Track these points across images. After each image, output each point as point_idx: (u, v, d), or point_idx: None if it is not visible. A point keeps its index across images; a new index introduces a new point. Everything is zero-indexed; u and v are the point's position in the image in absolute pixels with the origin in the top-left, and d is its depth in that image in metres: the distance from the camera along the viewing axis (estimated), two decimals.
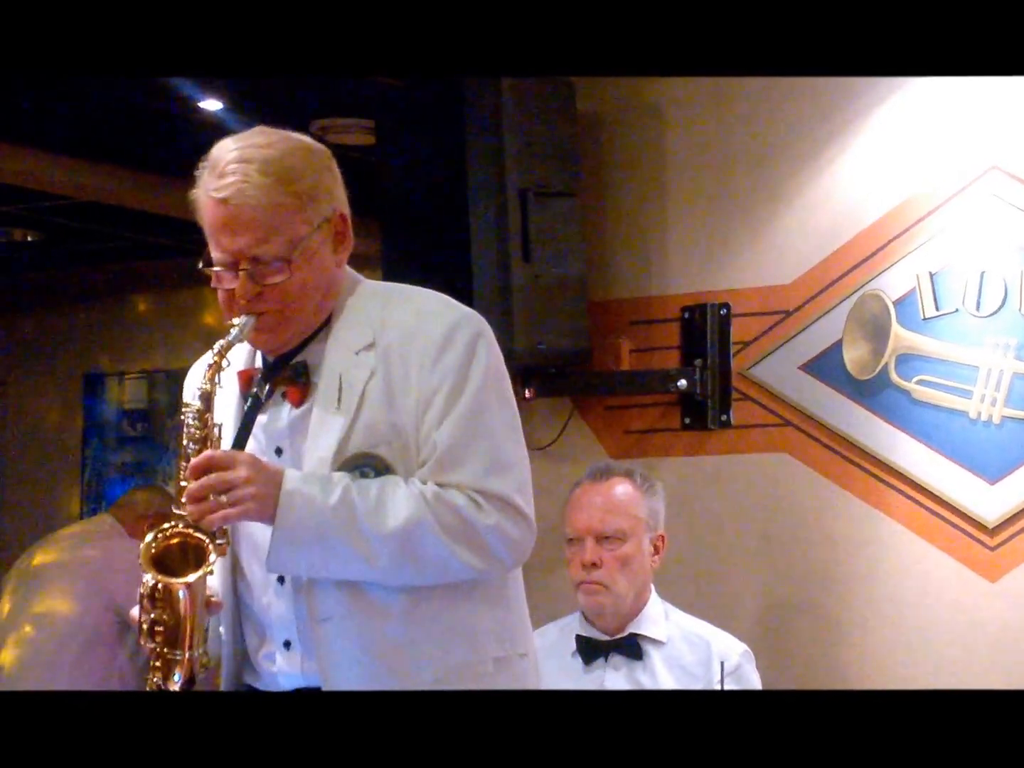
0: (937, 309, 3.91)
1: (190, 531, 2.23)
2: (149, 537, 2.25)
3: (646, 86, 4.28)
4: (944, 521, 3.88)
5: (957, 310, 3.88)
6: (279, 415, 2.35)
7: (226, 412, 2.36)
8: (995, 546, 3.82)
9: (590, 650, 3.40)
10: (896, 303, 3.94)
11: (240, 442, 2.31)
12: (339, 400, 2.29)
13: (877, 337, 3.95)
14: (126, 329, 7.17)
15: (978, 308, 3.86)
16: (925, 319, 3.91)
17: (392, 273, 4.27)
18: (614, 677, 3.36)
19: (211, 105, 4.62)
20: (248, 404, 2.35)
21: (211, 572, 2.23)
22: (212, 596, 2.30)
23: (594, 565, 3.35)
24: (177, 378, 7.07)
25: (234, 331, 2.29)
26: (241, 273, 2.28)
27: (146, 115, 4.70)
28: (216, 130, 4.76)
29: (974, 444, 3.84)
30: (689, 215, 4.24)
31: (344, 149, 4.78)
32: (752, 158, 4.16)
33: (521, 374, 4.21)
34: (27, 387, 7.38)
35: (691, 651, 3.37)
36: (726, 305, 4.16)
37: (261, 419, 2.35)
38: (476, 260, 4.00)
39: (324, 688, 2.28)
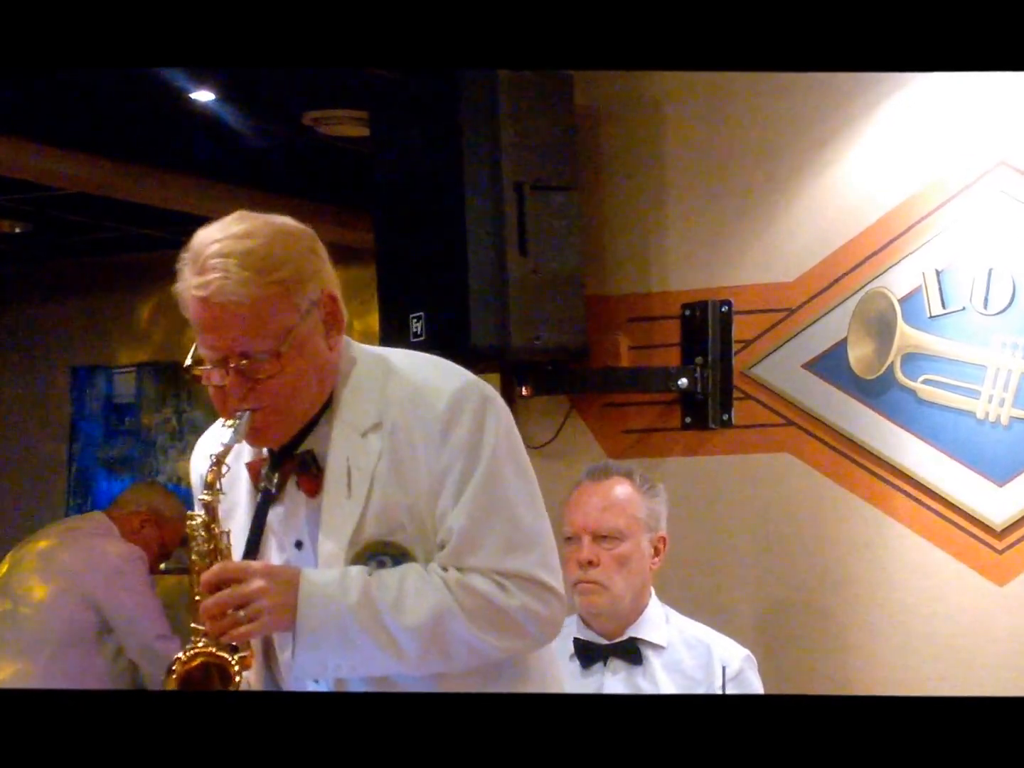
0: (944, 307, 3.89)
1: (211, 650, 2.21)
2: (171, 665, 2.22)
3: (645, 79, 4.26)
4: (951, 524, 3.86)
5: (964, 308, 3.87)
6: (297, 508, 2.32)
7: (239, 508, 2.33)
8: (1003, 549, 3.81)
9: (588, 654, 3.39)
10: (902, 301, 3.93)
11: (254, 541, 2.29)
12: (349, 487, 2.26)
13: (882, 336, 3.93)
14: (114, 322, 7.14)
15: (986, 306, 3.84)
16: (931, 317, 3.90)
17: (385, 267, 4.25)
18: (613, 682, 3.35)
19: (203, 96, 4.59)
20: (260, 499, 2.31)
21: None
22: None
23: (591, 564, 3.33)
24: (166, 372, 7.20)
25: (231, 433, 2.24)
26: (231, 370, 2.24)
27: (136, 106, 4.68)
28: (208, 121, 4.75)
29: (981, 445, 3.83)
30: (690, 210, 4.22)
31: (337, 141, 4.76)
32: (755, 152, 4.14)
33: (517, 371, 4.21)
34: (13, 380, 7.35)
35: (692, 656, 3.36)
36: (728, 302, 4.14)
37: (278, 512, 2.32)
38: (471, 254, 3.97)
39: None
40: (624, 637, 3.36)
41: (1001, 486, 3.81)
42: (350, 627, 2.19)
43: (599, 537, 3.34)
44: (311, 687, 2.31)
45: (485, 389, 2.30)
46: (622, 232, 4.30)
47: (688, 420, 4.17)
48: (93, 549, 4.66)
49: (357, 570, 2.22)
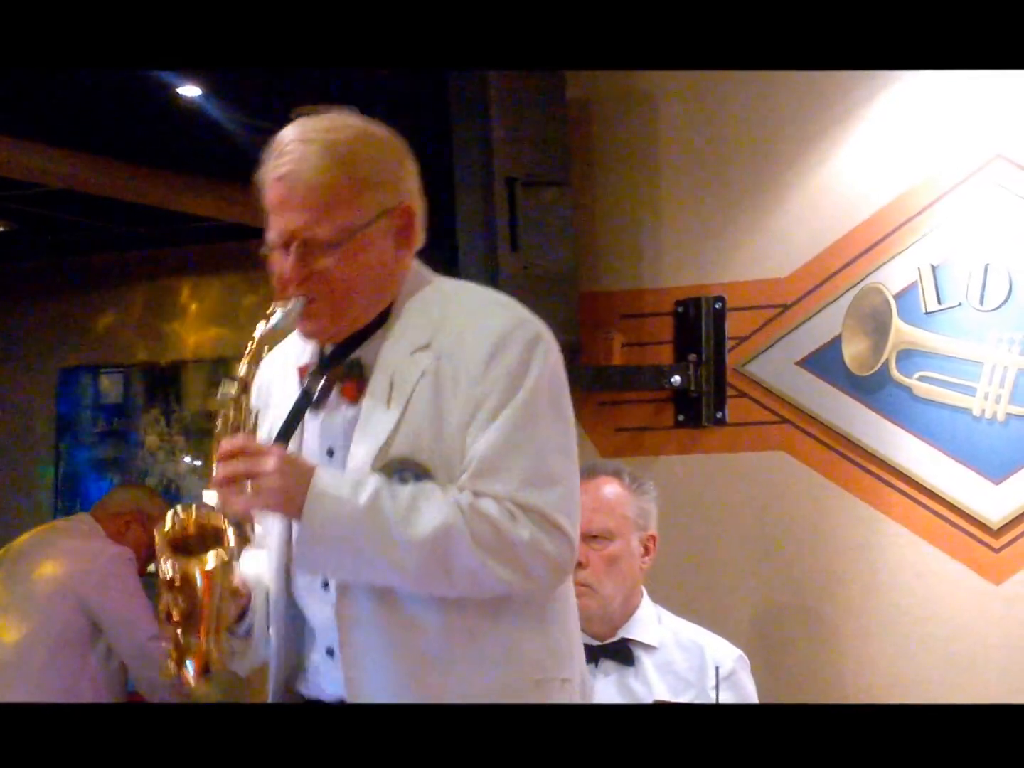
0: (939, 303, 3.88)
1: (209, 516, 2.21)
2: (166, 521, 2.22)
3: (638, 74, 4.26)
4: (946, 522, 3.86)
5: (960, 304, 3.86)
6: (335, 415, 2.30)
7: (281, 407, 2.33)
8: (999, 548, 3.80)
9: None
10: (897, 297, 3.91)
11: (284, 436, 2.28)
12: (388, 400, 2.24)
13: (877, 332, 3.92)
14: (101, 322, 7.11)
15: (982, 302, 3.84)
16: (927, 313, 3.89)
17: None
18: (605, 684, 3.32)
19: (190, 91, 4.57)
20: (298, 397, 2.31)
21: (227, 559, 2.19)
22: (239, 586, 2.28)
23: (580, 565, 3.30)
24: (154, 373, 7.18)
25: (278, 314, 2.25)
26: (291, 253, 2.24)
27: (123, 101, 4.66)
28: (195, 117, 4.72)
29: (977, 442, 3.82)
30: (683, 205, 4.21)
31: None
32: (749, 146, 4.13)
33: None
34: None
35: (684, 657, 3.34)
36: (721, 298, 4.14)
37: (319, 418, 2.31)
38: (462, 250, 3.97)
39: (348, 694, 2.24)
40: (615, 638, 3.33)
41: (997, 484, 3.80)
42: (355, 529, 2.15)
43: (588, 537, 3.31)
44: (318, 592, 2.28)
45: (540, 328, 2.28)
46: (614, 228, 4.29)
47: (681, 418, 4.17)
48: (82, 550, 4.65)
49: (375, 478, 2.20)
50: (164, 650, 2.20)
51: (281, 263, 2.26)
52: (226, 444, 2.19)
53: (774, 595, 4.05)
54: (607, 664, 3.32)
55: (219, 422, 2.24)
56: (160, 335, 7.02)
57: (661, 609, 3.40)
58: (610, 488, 3.36)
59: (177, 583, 2.18)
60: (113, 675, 4.64)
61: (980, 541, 3.81)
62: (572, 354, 4.19)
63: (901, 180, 3.94)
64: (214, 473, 2.19)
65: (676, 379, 4.11)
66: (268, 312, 2.27)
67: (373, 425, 2.24)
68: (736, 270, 4.13)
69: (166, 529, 2.21)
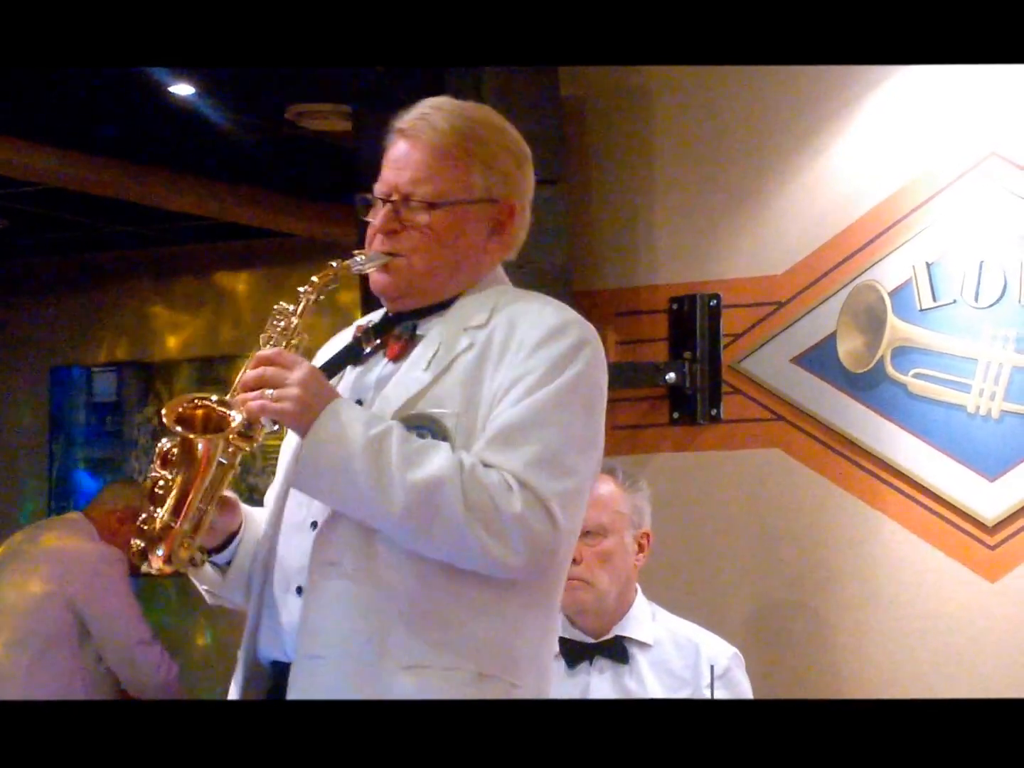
0: (934, 300, 3.88)
1: (216, 405, 2.22)
2: (177, 399, 2.24)
3: (632, 71, 4.24)
4: (942, 519, 3.85)
5: (955, 301, 3.86)
6: (372, 368, 2.34)
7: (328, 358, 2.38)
8: (994, 545, 3.80)
9: (574, 653, 3.35)
10: (892, 294, 3.91)
11: (328, 369, 2.31)
12: (429, 363, 2.27)
13: (872, 329, 3.92)
14: (94, 321, 7.10)
15: (976, 299, 3.84)
16: (922, 310, 3.89)
17: None
18: (599, 681, 3.32)
19: (182, 90, 4.56)
20: (348, 345, 2.36)
21: (227, 449, 2.19)
22: (233, 500, 2.31)
23: (574, 560, 3.27)
24: (146, 371, 7.17)
25: (358, 258, 2.29)
26: (387, 205, 2.30)
27: (116, 100, 4.65)
28: (187, 116, 4.71)
29: (972, 439, 3.82)
30: (678, 203, 4.21)
31: (321, 135, 4.73)
32: (743, 144, 4.13)
33: None
34: None
35: (679, 654, 3.33)
36: (716, 296, 4.13)
37: (357, 370, 2.35)
38: None
39: (301, 630, 2.23)
40: (610, 635, 3.33)
41: (992, 481, 3.80)
42: (355, 454, 2.16)
43: (582, 533, 3.29)
44: (305, 532, 2.28)
45: (593, 333, 2.30)
46: (609, 226, 4.29)
47: (676, 415, 4.16)
48: (71, 551, 4.63)
49: (395, 422, 2.20)
50: (139, 523, 2.21)
51: (375, 215, 2.31)
52: (263, 352, 2.23)
53: (769, 592, 4.05)
54: (602, 662, 3.31)
55: (264, 334, 2.28)
56: (153, 334, 7.01)
57: (656, 606, 3.39)
58: (603, 485, 3.35)
59: (172, 455, 2.20)
60: (105, 675, 4.63)
61: (975, 538, 3.80)
62: None
63: (896, 177, 3.93)
64: (242, 376, 2.22)
65: (671, 376, 4.10)
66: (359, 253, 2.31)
67: (406, 381, 2.26)
68: (731, 267, 4.12)
69: (173, 403, 2.22)
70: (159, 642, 4.65)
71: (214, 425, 2.21)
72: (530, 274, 4.00)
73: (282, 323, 2.28)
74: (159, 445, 2.23)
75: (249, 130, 4.90)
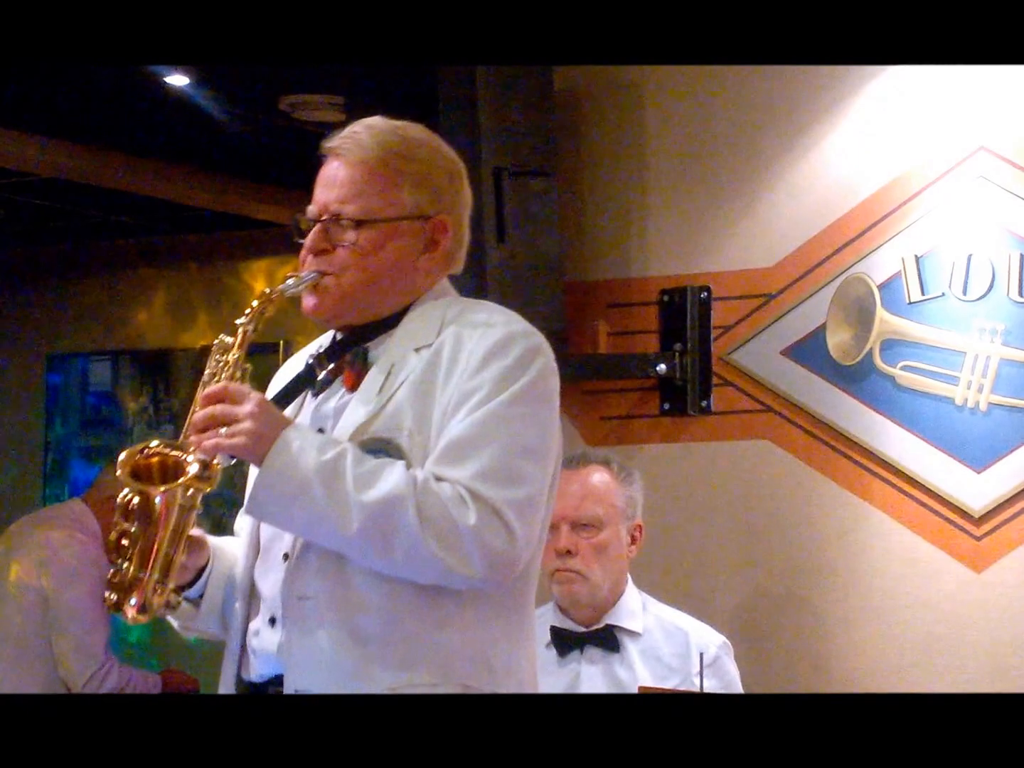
0: (923, 293, 3.88)
1: (169, 451, 2.21)
2: (130, 449, 2.23)
3: (625, 64, 4.21)
4: (929, 510, 3.85)
5: (943, 294, 3.86)
6: (330, 397, 2.34)
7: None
8: (981, 536, 3.80)
9: (565, 642, 3.38)
10: (881, 287, 3.91)
11: (278, 401, 2.32)
12: (381, 387, 2.27)
13: (861, 322, 3.92)
14: (89, 309, 7.09)
15: (965, 292, 3.83)
16: (911, 303, 3.89)
17: None
18: (590, 670, 3.34)
19: (177, 80, 4.55)
20: (301, 372, 2.36)
21: (188, 493, 2.19)
22: (199, 537, 2.31)
23: (569, 553, 3.33)
24: (143, 360, 7.16)
25: (290, 280, 2.29)
26: (318, 225, 2.31)
27: (109, 90, 4.63)
28: (182, 106, 4.70)
29: (960, 431, 3.82)
30: (669, 195, 4.20)
31: (313, 126, 4.72)
32: (734, 137, 4.12)
33: None
34: None
35: (668, 643, 3.35)
36: (706, 288, 4.13)
37: (316, 400, 2.35)
38: None
39: (284, 667, 2.25)
40: (600, 624, 3.35)
41: (979, 472, 3.80)
42: (311, 479, 2.16)
43: (578, 526, 3.33)
44: (277, 564, 2.30)
45: (542, 341, 2.29)
46: (601, 218, 4.28)
47: (667, 407, 4.15)
48: (51, 540, 4.59)
49: (349, 444, 2.21)
50: (109, 577, 2.20)
51: (308, 239, 2.32)
52: (210, 389, 2.23)
53: (758, 582, 4.05)
54: (592, 651, 3.33)
55: (208, 370, 2.27)
56: (149, 322, 7.00)
57: (646, 596, 3.41)
58: (599, 477, 3.37)
59: (132, 507, 2.19)
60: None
61: (962, 529, 3.80)
62: (558, 343, 4.17)
63: (885, 171, 3.93)
64: (191, 416, 2.21)
65: (661, 368, 4.10)
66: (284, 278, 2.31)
67: (364, 404, 2.27)
68: (721, 260, 4.12)
69: (127, 455, 2.21)
70: (109, 655, 4.56)
71: (171, 473, 2.20)
72: (522, 265, 4.03)
73: (224, 358, 2.27)
74: (120, 497, 2.21)
75: (243, 121, 4.89)
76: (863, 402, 3.92)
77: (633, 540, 3.39)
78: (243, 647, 2.34)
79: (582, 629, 3.36)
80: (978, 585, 3.78)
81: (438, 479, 2.19)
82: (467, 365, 2.23)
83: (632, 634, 3.34)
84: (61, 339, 7.15)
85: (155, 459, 2.21)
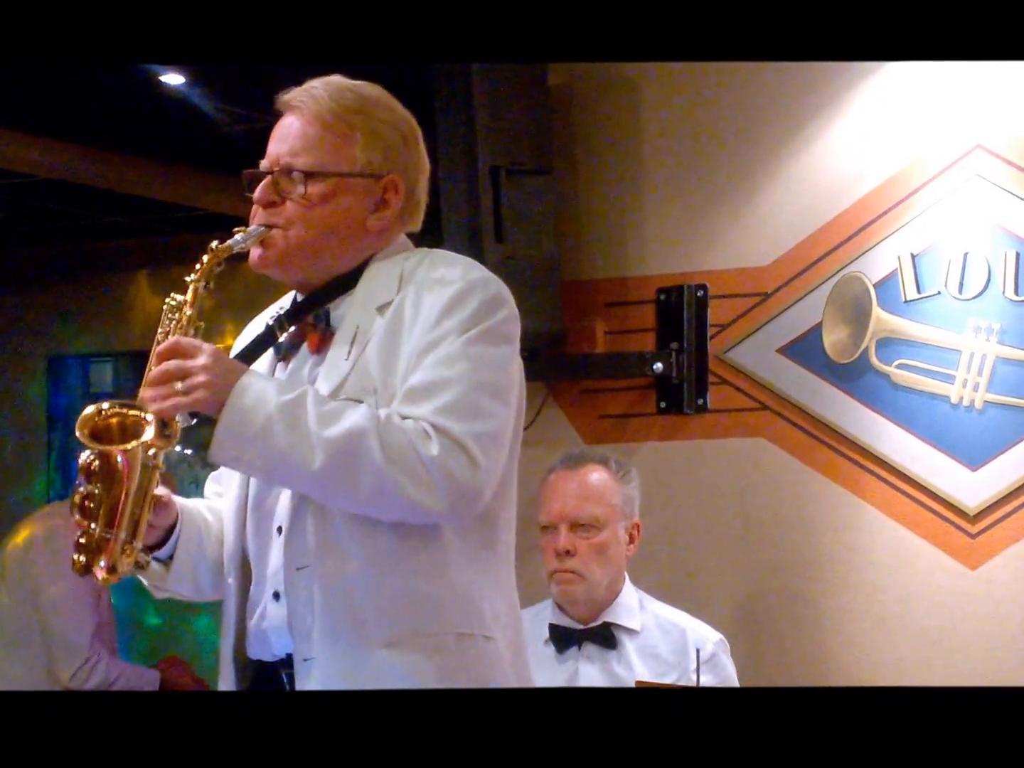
0: (919, 291, 3.88)
1: (127, 411, 2.19)
2: (88, 411, 2.20)
3: (620, 62, 4.23)
4: (924, 508, 3.86)
5: (939, 292, 3.87)
6: (302, 366, 2.33)
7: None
8: (976, 533, 3.81)
9: (563, 639, 3.38)
10: (877, 285, 3.92)
11: (242, 358, 2.31)
12: (349, 353, 2.26)
13: (857, 320, 3.93)
14: (90, 311, 7.09)
15: (961, 291, 3.84)
16: (907, 302, 3.89)
17: None
18: (588, 667, 3.35)
19: (173, 79, 4.55)
20: (262, 331, 2.34)
21: (148, 452, 2.17)
22: (164, 497, 2.30)
23: (568, 553, 3.33)
24: (142, 360, 7.15)
25: (238, 235, 2.28)
26: (268, 178, 2.29)
27: (106, 89, 4.64)
28: (178, 105, 4.71)
29: (956, 430, 3.83)
30: (666, 194, 4.20)
31: None
32: (730, 136, 4.12)
33: None
34: None
35: (666, 640, 3.36)
36: (703, 287, 4.13)
37: (287, 369, 2.34)
38: (447, 239, 3.95)
39: (291, 630, 2.26)
40: (598, 622, 3.36)
41: (975, 471, 3.80)
42: (272, 419, 2.16)
43: (577, 526, 3.33)
44: (272, 537, 2.30)
45: (501, 288, 2.29)
46: (597, 216, 4.28)
47: (663, 405, 4.15)
48: (39, 538, 4.58)
49: (308, 386, 2.22)
50: (76, 539, 2.18)
51: (256, 193, 2.30)
52: (162, 346, 2.22)
53: (755, 579, 4.05)
54: (590, 648, 3.34)
55: (160, 329, 2.26)
56: (149, 323, 6.99)
57: (643, 593, 3.42)
58: (598, 476, 3.37)
59: (94, 468, 2.18)
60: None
61: (957, 527, 3.81)
62: (555, 342, 4.19)
63: (882, 169, 3.93)
64: (147, 375, 2.20)
65: (658, 366, 4.09)
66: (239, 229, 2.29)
67: (332, 371, 2.26)
68: (718, 258, 4.12)
69: (85, 417, 2.19)
70: (96, 649, 4.53)
71: (130, 432, 2.18)
72: (519, 264, 4.03)
73: (176, 316, 2.26)
74: (81, 458, 2.19)
75: (238, 121, 4.90)
76: (859, 400, 3.92)
77: (631, 539, 3.39)
78: (242, 624, 2.35)
79: (580, 626, 3.36)
80: (973, 582, 3.79)
81: (402, 417, 2.19)
82: (428, 319, 2.23)
83: (630, 631, 3.34)
84: (62, 341, 7.16)
85: (114, 419, 2.19)
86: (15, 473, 7.20)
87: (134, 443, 2.16)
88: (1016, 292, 3.79)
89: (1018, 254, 3.79)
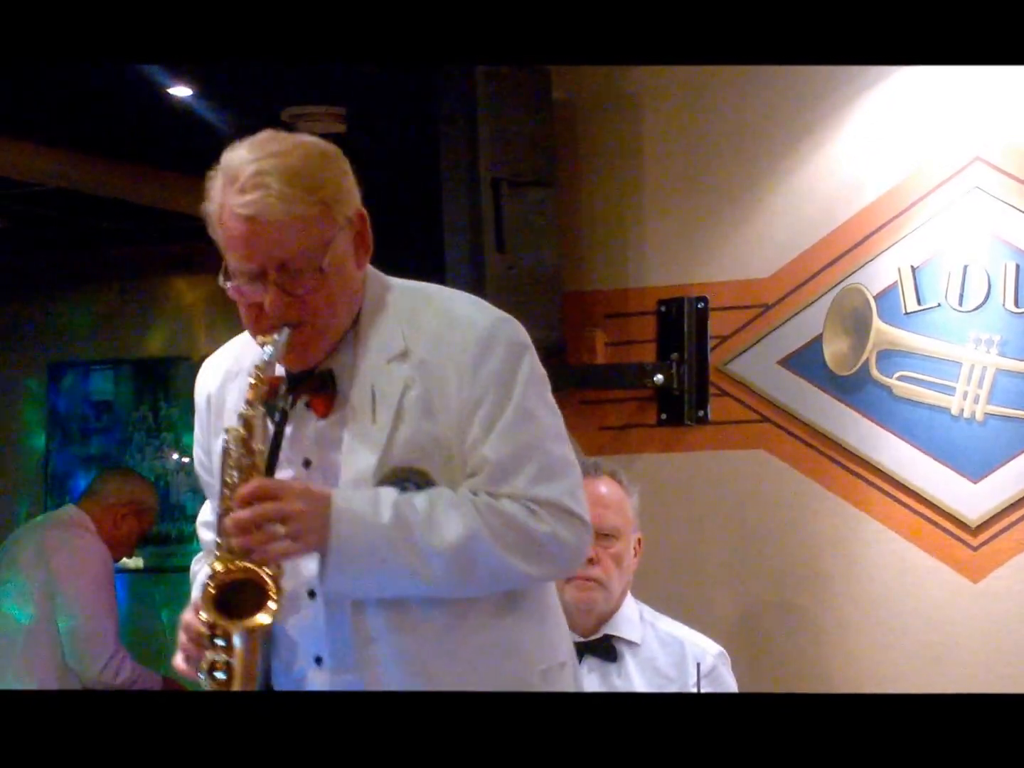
0: (919, 303, 3.88)
1: (248, 566, 2.18)
2: (205, 576, 2.20)
3: (623, 74, 4.25)
4: (926, 520, 3.86)
5: (940, 304, 3.87)
6: (304, 427, 2.30)
7: (234, 414, 2.30)
8: (977, 546, 3.81)
9: None
10: (877, 297, 3.92)
11: (272, 460, 2.26)
12: (373, 413, 2.25)
13: (858, 332, 3.93)
14: (91, 318, 7.10)
15: (961, 303, 3.84)
16: (907, 314, 3.89)
17: None
18: (588, 680, 3.32)
19: (180, 91, 4.56)
20: (277, 418, 2.28)
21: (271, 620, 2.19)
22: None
23: (590, 561, 3.28)
24: (143, 370, 7.16)
25: (269, 348, 2.22)
26: (271, 284, 2.22)
27: (114, 101, 4.64)
28: (185, 117, 4.71)
29: (956, 442, 3.83)
30: (667, 206, 4.21)
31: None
32: (731, 148, 4.13)
33: None
34: None
35: (665, 653, 3.35)
36: (704, 298, 4.13)
37: (288, 430, 2.30)
38: (449, 250, 3.97)
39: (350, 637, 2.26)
40: (599, 635, 3.35)
41: (976, 483, 3.81)
42: (381, 546, 2.17)
43: (599, 535, 3.27)
44: (303, 601, 2.28)
45: (519, 329, 2.31)
46: (599, 228, 4.28)
47: (664, 416, 4.15)
48: (51, 541, 4.59)
49: (388, 490, 2.21)
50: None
51: (254, 295, 2.23)
52: (246, 488, 2.18)
53: (755, 592, 4.05)
54: (591, 660, 3.32)
55: (227, 464, 2.23)
56: (150, 332, 7.00)
57: (643, 606, 3.41)
58: (613, 488, 3.37)
59: (219, 641, 2.18)
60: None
61: (959, 539, 3.81)
62: (556, 353, 4.19)
63: (882, 182, 3.94)
64: (232, 516, 2.17)
65: (659, 378, 4.09)
66: (260, 344, 2.24)
67: (365, 438, 2.24)
68: (719, 270, 4.12)
69: (210, 588, 2.18)
70: (119, 644, 4.56)
71: (252, 595, 2.17)
72: (521, 276, 4.03)
73: (239, 447, 2.22)
74: (203, 628, 2.19)
75: (245, 131, 4.90)
76: (859, 412, 3.93)
77: (635, 552, 3.39)
78: (269, 686, 2.33)
79: (581, 639, 3.34)
80: (974, 595, 3.79)
81: (496, 497, 2.22)
82: (460, 374, 2.24)
83: (630, 644, 3.34)
84: (62, 348, 7.15)
85: (235, 577, 2.18)
86: (14, 479, 7.19)
87: (267, 608, 2.17)
88: (1016, 304, 3.79)
89: (1018, 266, 3.80)
